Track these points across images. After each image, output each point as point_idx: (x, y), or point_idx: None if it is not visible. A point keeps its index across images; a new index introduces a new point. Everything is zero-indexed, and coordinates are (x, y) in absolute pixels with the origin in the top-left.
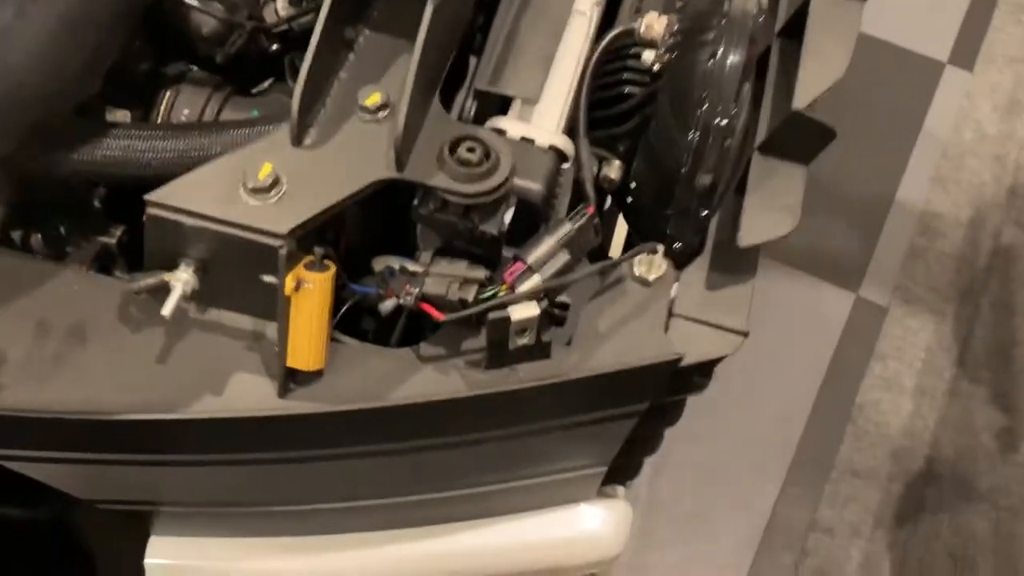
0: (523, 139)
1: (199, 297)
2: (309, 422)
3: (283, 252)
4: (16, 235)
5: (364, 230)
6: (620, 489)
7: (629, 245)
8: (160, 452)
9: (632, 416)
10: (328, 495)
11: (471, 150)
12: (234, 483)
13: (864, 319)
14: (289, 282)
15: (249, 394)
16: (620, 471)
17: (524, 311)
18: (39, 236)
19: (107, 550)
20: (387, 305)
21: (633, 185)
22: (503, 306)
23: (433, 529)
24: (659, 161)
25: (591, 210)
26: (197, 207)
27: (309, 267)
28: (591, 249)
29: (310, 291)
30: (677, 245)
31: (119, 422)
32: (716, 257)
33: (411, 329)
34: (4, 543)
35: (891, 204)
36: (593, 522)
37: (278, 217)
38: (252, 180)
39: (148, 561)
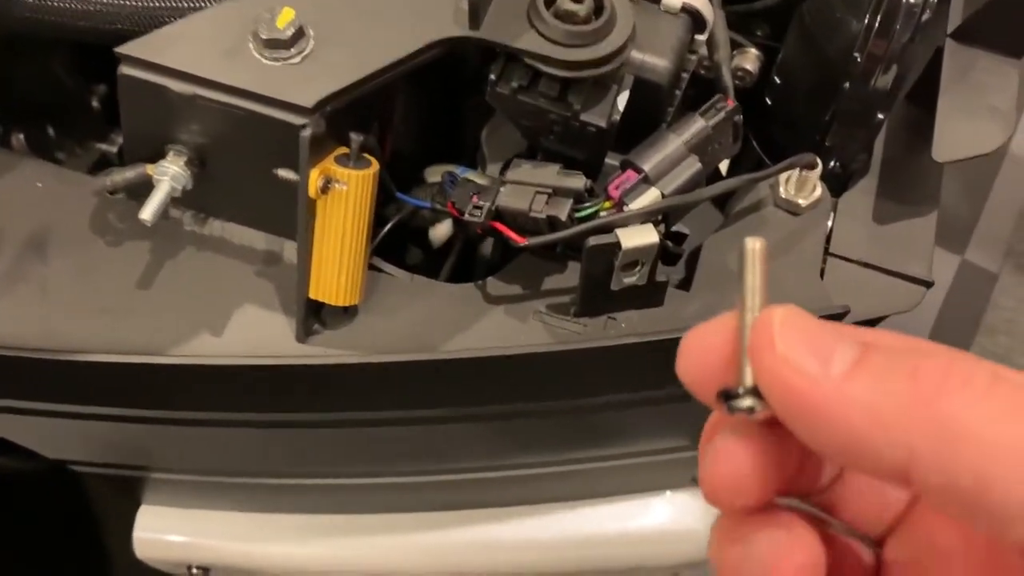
0: None
1: (194, 201)
2: (336, 375)
3: (306, 134)
4: None
5: (414, 126)
6: None
7: None
8: (141, 406)
9: None
10: (357, 467)
11: (577, 0)
12: (237, 447)
13: (971, 286)
14: (314, 179)
15: (258, 335)
16: None
17: (638, 237)
18: (21, 137)
19: (105, 510)
20: (440, 231)
21: (777, 81)
22: (608, 228)
23: (481, 514)
24: (818, 50)
25: (731, 103)
26: (187, 65)
27: (342, 161)
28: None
29: (343, 195)
30: (834, 163)
31: (86, 364)
32: (886, 180)
33: (464, 266)
34: None
35: (1004, 156)
36: (684, 515)
37: (301, 83)
38: (266, 30)
39: (137, 534)
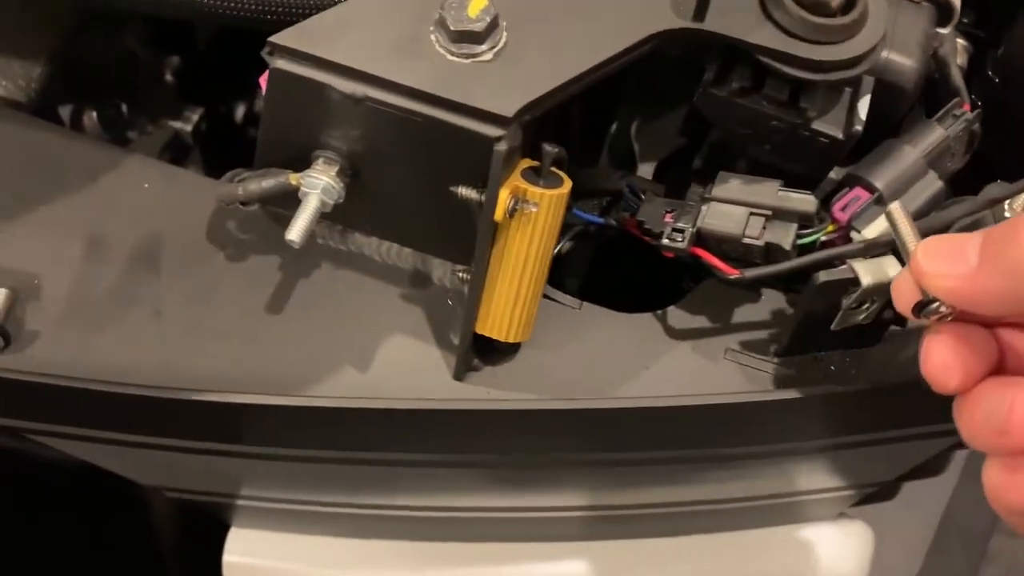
0: None
1: (341, 215)
2: (499, 420)
3: (501, 148)
4: (65, 112)
5: (585, 125)
6: None
7: None
8: (264, 443)
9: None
10: (490, 502)
11: None
12: (357, 481)
13: None
14: (504, 199)
15: (407, 371)
16: (880, 493)
17: (879, 272)
18: (94, 115)
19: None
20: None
21: (994, 78)
22: (837, 260)
23: (615, 545)
24: None
25: (967, 108)
26: (357, 60)
27: (530, 178)
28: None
29: (531, 217)
30: None
31: (205, 404)
32: None
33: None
34: (37, 486)
35: None
36: (831, 548)
37: (496, 86)
38: (455, 19)
39: (228, 558)
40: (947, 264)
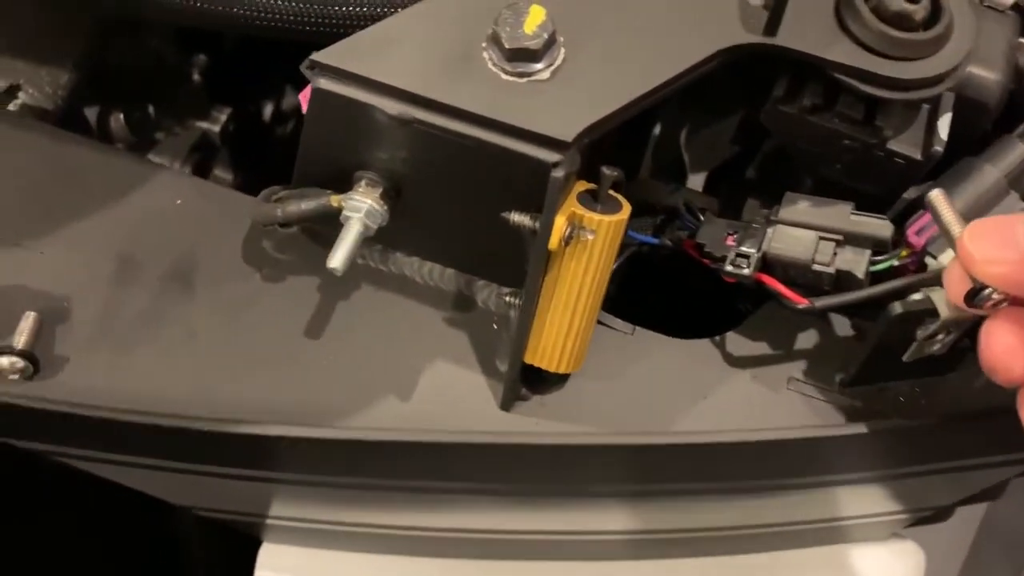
0: None
1: (383, 235)
2: (548, 454)
3: (559, 174)
4: (91, 114)
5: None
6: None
7: None
8: (304, 472)
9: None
10: (534, 523)
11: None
12: (397, 503)
13: None
14: (559, 227)
15: (451, 401)
16: (936, 515)
17: None
18: (120, 117)
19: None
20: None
21: None
22: (912, 289)
23: (663, 564)
24: None
25: None
26: (405, 81)
27: (586, 202)
28: None
29: (587, 245)
30: None
31: (241, 436)
32: None
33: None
34: (35, 486)
35: None
36: (883, 569)
37: (554, 108)
38: (510, 36)
39: (260, 574)
40: (995, 249)
